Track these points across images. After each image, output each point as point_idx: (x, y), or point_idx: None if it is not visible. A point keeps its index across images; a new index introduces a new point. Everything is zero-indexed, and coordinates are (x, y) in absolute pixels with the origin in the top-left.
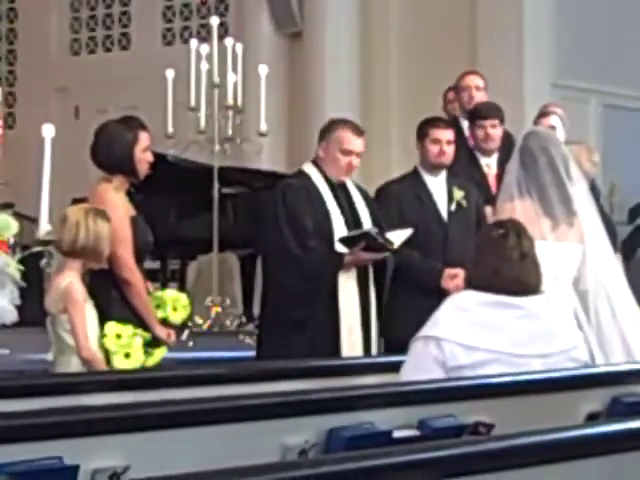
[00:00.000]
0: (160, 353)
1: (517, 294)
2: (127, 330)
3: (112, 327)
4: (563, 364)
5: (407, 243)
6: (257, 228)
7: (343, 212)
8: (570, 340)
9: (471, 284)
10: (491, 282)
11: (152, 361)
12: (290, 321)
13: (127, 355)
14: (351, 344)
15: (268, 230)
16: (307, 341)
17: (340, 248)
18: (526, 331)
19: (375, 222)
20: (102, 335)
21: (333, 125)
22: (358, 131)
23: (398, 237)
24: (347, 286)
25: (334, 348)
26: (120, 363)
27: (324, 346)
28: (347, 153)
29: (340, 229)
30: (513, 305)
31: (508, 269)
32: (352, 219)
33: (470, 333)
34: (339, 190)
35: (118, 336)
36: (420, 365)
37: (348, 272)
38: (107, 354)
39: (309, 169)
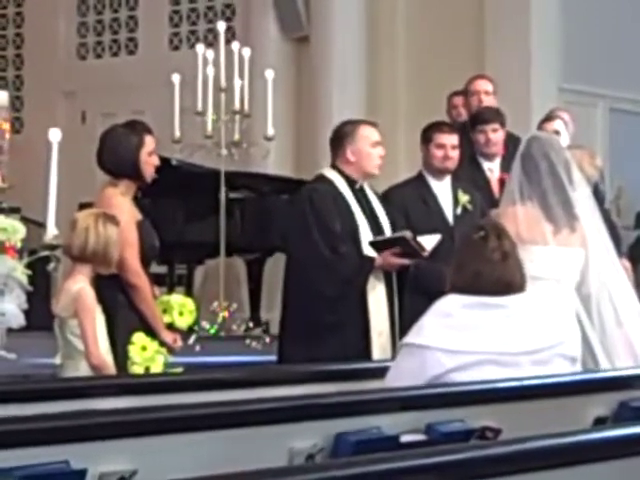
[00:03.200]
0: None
1: (500, 294)
2: (153, 345)
3: (140, 338)
4: (551, 360)
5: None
6: (283, 233)
7: (366, 216)
8: (557, 336)
9: (454, 288)
10: (473, 284)
11: None
12: (322, 325)
13: (147, 369)
14: (381, 347)
15: (297, 236)
16: (337, 345)
17: (369, 251)
18: (511, 330)
19: (393, 226)
20: (127, 342)
21: (349, 126)
22: (372, 123)
23: (429, 242)
24: (376, 290)
25: (364, 351)
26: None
27: (354, 349)
28: (375, 145)
29: (365, 233)
30: (496, 305)
31: (490, 271)
32: (374, 222)
33: (455, 337)
34: (359, 194)
35: (144, 348)
36: (401, 375)
37: (376, 276)
38: (119, 359)
39: (330, 174)
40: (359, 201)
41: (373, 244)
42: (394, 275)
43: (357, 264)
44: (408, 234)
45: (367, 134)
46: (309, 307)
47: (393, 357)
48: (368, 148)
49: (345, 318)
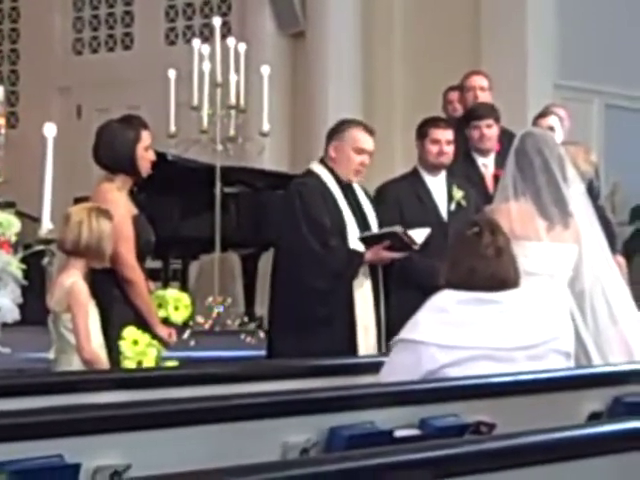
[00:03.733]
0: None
1: (494, 290)
2: (145, 338)
3: (131, 332)
4: (546, 355)
5: None
6: (272, 228)
7: (353, 212)
8: (551, 331)
9: (448, 284)
10: (467, 281)
11: None
12: (310, 319)
13: (139, 363)
14: (367, 342)
15: (286, 230)
16: (325, 339)
17: (358, 246)
18: (506, 325)
19: (384, 222)
20: (118, 337)
21: (345, 125)
22: (370, 130)
23: (419, 236)
24: (363, 286)
25: (351, 346)
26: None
27: (340, 344)
28: (360, 152)
29: (352, 228)
30: (491, 300)
31: (484, 266)
32: (361, 219)
33: (450, 333)
34: (347, 190)
35: (135, 342)
36: (395, 370)
37: (363, 272)
38: (112, 355)
39: (318, 169)
40: (347, 197)
41: (363, 239)
42: (380, 271)
43: (347, 257)
44: (399, 229)
45: (356, 137)
46: (298, 301)
47: (380, 353)
48: (350, 151)
49: (333, 312)
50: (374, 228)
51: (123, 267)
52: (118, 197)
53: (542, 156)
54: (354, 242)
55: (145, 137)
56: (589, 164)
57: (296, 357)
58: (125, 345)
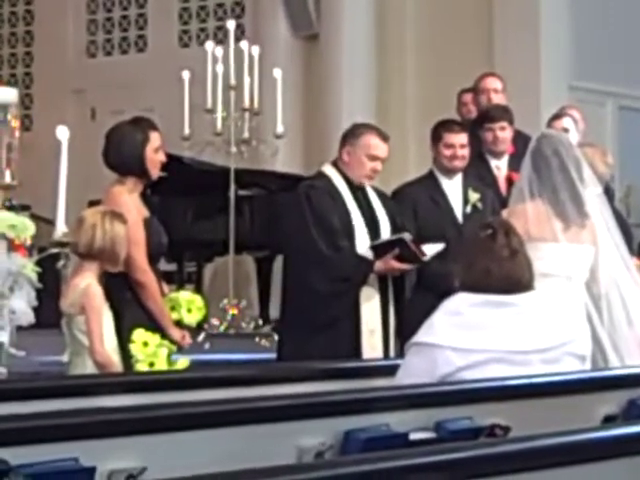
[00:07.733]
0: (183, 364)
1: (509, 292)
2: (154, 339)
3: (140, 334)
4: (561, 359)
5: None
6: (281, 230)
7: (363, 214)
8: (567, 334)
9: (463, 286)
10: (482, 282)
11: None
12: (315, 322)
13: (151, 364)
14: (372, 345)
15: (294, 231)
16: (329, 342)
17: (364, 251)
18: (521, 328)
19: (393, 225)
20: (129, 340)
21: (359, 129)
22: (384, 137)
23: (430, 249)
24: (368, 288)
25: (355, 349)
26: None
27: (345, 347)
28: (373, 158)
29: (361, 231)
30: (506, 303)
31: (499, 268)
32: (371, 222)
33: (464, 336)
34: (359, 192)
35: (145, 344)
36: (411, 373)
37: (371, 284)
38: (126, 358)
39: (329, 171)
40: (357, 200)
41: (373, 248)
42: (390, 279)
43: (355, 262)
44: (407, 236)
45: (370, 144)
46: (306, 303)
47: (387, 357)
48: (363, 157)
49: (340, 315)
50: (385, 231)
51: (134, 270)
52: (128, 200)
53: (559, 157)
54: (362, 245)
55: (154, 139)
56: (606, 166)
57: (303, 360)
58: (135, 348)
